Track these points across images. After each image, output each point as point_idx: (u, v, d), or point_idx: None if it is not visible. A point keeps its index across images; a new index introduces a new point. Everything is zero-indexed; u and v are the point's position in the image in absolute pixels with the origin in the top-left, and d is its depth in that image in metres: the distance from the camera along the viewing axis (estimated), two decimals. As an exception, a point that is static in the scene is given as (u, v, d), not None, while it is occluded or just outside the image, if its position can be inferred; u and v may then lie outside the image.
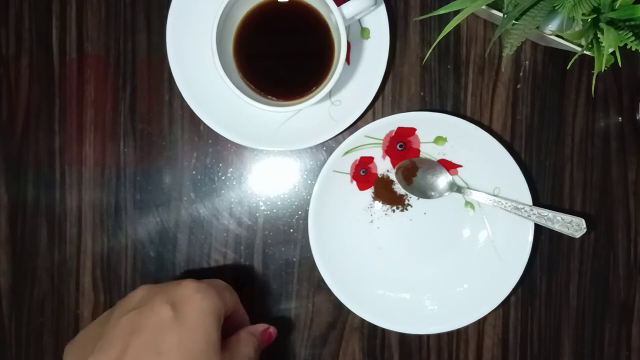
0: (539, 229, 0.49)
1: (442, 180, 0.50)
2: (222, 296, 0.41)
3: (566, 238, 0.51)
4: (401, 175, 0.50)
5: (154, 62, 0.51)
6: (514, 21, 0.39)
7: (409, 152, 0.50)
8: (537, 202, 0.51)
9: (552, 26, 0.42)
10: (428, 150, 0.50)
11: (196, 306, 0.39)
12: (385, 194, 0.51)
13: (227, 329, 0.42)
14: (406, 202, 0.51)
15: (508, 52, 0.39)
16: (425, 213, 0.51)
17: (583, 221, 0.48)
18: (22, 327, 0.52)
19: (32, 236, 0.52)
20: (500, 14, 0.42)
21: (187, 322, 0.38)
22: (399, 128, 0.48)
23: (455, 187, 0.50)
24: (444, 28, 0.41)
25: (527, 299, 0.52)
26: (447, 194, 0.50)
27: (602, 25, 0.39)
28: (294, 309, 0.52)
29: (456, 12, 0.40)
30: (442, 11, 0.41)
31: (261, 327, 0.45)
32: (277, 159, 0.52)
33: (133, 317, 0.38)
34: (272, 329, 0.46)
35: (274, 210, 0.52)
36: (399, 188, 0.51)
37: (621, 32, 0.38)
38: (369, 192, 0.51)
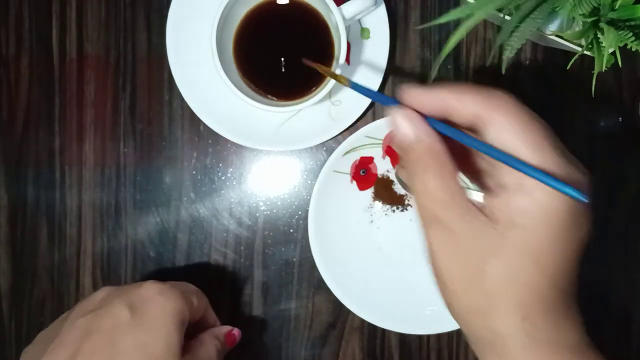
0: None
1: None
2: (187, 299, 0.40)
3: (566, 238, 0.51)
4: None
5: (154, 62, 0.51)
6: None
7: (409, 152, 0.50)
8: (537, 202, 0.51)
9: (552, 27, 0.42)
10: (428, 150, 0.50)
11: (157, 308, 0.37)
12: (385, 194, 0.51)
13: (195, 334, 0.42)
14: (406, 202, 0.51)
15: (508, 54, 0.39)
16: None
17: None
18: (22, 327, 0.52)
19: (32, 236, 0.52)
20: (501, 14, 0.42)
21: (145, 324, 0.36)
22: (399, 128, 0.48)
23: None
24: (444, 30, 0.41)
25: (527, 299, 0.52)
26: None
27: (602, 25, 0.39)
28: (294, 309, 0.52)
29: (456, 20, 0.40)
30: (442, 20, 0.41)
31: (225, 329, 0.44)
32: (277, 159, 0.52)
33: (89, 319, 0.37)
34: (237, 331, 0.45)
35: (274, 210, 0.52)
36: (399, 188, 0.51)
37: (621, 32, 0.38)
38: (369, 192, 0.51)
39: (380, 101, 0.35)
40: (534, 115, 0.31)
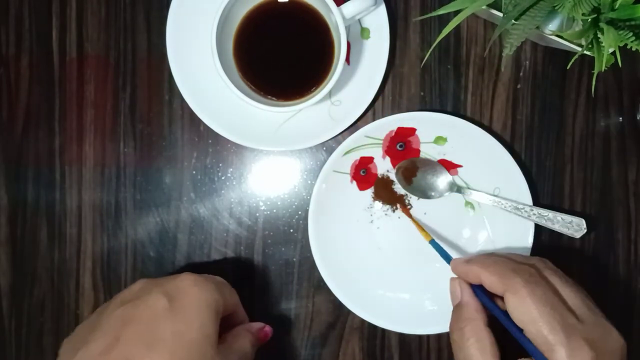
0: (539, 229, 0.49)
1: (443, 180, 0.50)
2: (221, 292, 0.41)
3: (566, 238, 0.51)
4: (401, 176, 0.50)
5: (154, 62, 0.51)
6: (513, 21, 0.39)
7: (409, 152, 0.50)
8: (537, 202, 0.51)
9: (552, 26, 0.42)
10: (428, 150, 0.50)
11: (193, 298, 0.38)
12: (385, 194, 0.51)
13: (226, 329, 0.42)
14: (406, 202, 0.51)
15: (508, 52, 0.39)
16: (425, 213, 0.51)
17: (583, 221, 0.48)
18: (22, 327, 0.52)
19: (32, 236, 0.52)
20: (500, 14, 0.42)
21: (182, 314, 0.37)
22: (399, 128, 0.48)
23: (455, 187, 0.50)
24: (444, 28, 0.41)
25: (527, 299, 0.52)
26: (447, 194, 0.50)
27: (602, 25, 0.39)
28: (294, 309, 0.52)
29: (456, 13, 0.40)
30: (441, 11, 0.41)
31: (258, 325, 0.45)
32: (277, 159, 0.52)
33: (128, 308, 0.38)
34: (268, 328, 0.46)
35: (274, 210, 0.52)
36: (399, 188, 0.51)
37: (621, 32, 0.38)
38: (369, 192, 0.51)
39: (446, 260, 0.46)
40: (542, 299, 0.38)
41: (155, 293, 0.38)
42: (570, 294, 0.39)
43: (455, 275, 0.44)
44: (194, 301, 0.38)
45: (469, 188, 0.50)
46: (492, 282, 0.40)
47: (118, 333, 0.36)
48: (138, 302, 0.38)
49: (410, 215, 0.50)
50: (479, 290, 0.42)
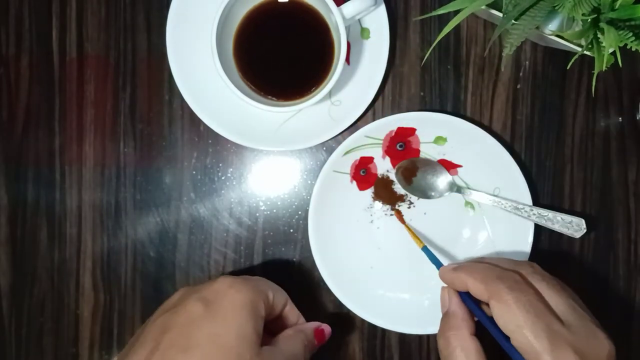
0: (539, 229, 0.49)
1: (442, 180, 0.50)
2: (260, 292, 0.40)
3: (566, 238, 0.51)
4: (401, 175, 0.50)
5: (154, 62, 0.51)
6: (513, 21, 0.39)
7: (409, 152, 0.50)
8: (537, 202, 0.51)
9: (552, 26, 0.42)
10: (428, 150, 0.50)
11: (228, 300, 0.38)
12: (385, 194, 0.51)
13: (279, 331, 0.42)
14: (406, 202, 0.51)
15: (508, 52, 0.39)
16: (425, 213, 0.51)
17: (583, 221, 0.48)
18: (22, 327, 0.52)
19: (32, 236, 0.52)
20: (500, 14, 0.42)
21: (218, 317, 0.37)
22: (399, 128, 0.48)
23: (455, 187, 0.50)
24: (444, 28, 0.41)
25: (527, 299, 0.52)
26: (447, 194, 0.50)
27: (602, 25, 0.39)
28: (294, 309, 0.52)
29: (456, 12, 0.40)
30: (441, 11, 0.41)
31: (312, 324, 0.44)
32: (277, 159, 0.52)
33: (167, 317, 0.38)
34: (326, 327, 0.44)
35: (274, 210, 0.52)
36: (399, 188, 0.51)
37: (621, 32, 0.38)
38: (369, 192, 0.51)
39: (437, 267, 0.45)
40: (527, 306, 0.38)
41: (192, 299, 0.38)
42: (557, 300, 0.39)
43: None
44: (229, 303, 0.38)
45: (468, 188, 0.50)
46: (477, 289, 0.40)
47: (158, 340, 0.37)
48: (176, 309, 0.39)
49: (403, 222, 0.50)
50: (466, 297, 0.42)
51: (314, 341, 0.43)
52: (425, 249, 0.47)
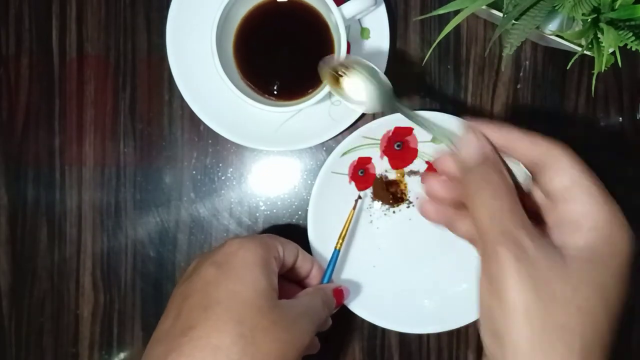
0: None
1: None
2: (270, 247, 0.41)
3: (566, 238, 0.51)
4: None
5: (154, 62, 0.51)
6: (513, 21, 0.39)
7: (407, 152, 0.50)
8: (537, 202, 0.51)
9: (552, 26, 0.42)
10: (427, 150, 0.50)
11: (240, 260, 0.39)
12: (384, 194, 0.51)
13: (295, 281, 0.44)
14: (405, 202, 0.51)
15: (508, 52, 0.39)
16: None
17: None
18: (22, 327, 0.52)
19: (32, 236, 0.52)
20: (500, 14, 0.42)
21: (231, 275, 0.38)
22: (396, 128, 0.48)
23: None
24: (444, 28, 0.41)
25: (527, 299, 0.52)
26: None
27: (602, 25, 0.39)
28: (294, 309, 0.52)
29: (456, 12, 0.40)
30: (441, 11, 0.41)
31: (332, 285, 0.45)
32: (277, 159, 0.52)
33: (184, 285, 0.40)
34: (345, 288, 0.46)
35: (274, 210, 0.52)
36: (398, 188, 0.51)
37: (621, 32, 0.38)
38: (368, 192, 0.51)
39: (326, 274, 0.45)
40: (586, 168, 0.33)
41: (205, 265, 0.40)
42: None
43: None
44: (241, 262, 0.39)
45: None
46: (534, 147, 0.33)
47: (179, 307, 0.38)
48: (191, 277, 0.40)
49: (351, 217, 0.48)
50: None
51: (333, 300, 0.44)
52: (336, 252, 0.47)
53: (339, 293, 0.45)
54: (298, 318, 0.39)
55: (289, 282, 0.45)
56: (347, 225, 0.48)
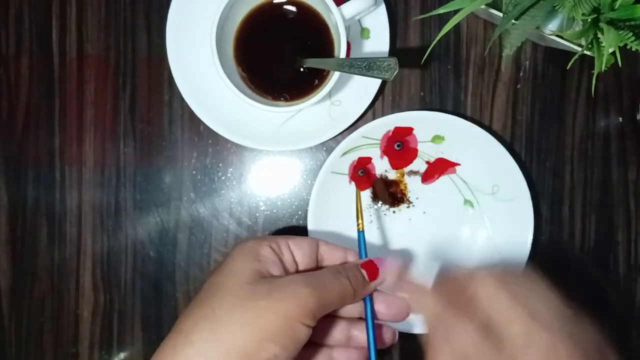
0: (538, 229, 0.49)
1: None
2: (264, 240, 0.40)
3: (565, 237, 0.51)
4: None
5: (154, 62, 0.51)
6: (513, 21, 0.39)
7: (407, 152, 0.50)
8: (537, 202, 0.51)
9: (552, 26, 0.42)
10: (426, 150, 0.50)
11: (229, 255, 0.40)
12: (384, 194, 0.51)
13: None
14: (406, 202, 0.51)
15: (508, 52, 0.39)
16: (424, 212, 0.51)
17: (395, 59, 0.42)
18: (22, 327, 0.52)
19: (32, 236, 0.52)
20: (500, 14, 0.42)
21: (215, 271, 0.39)
22: (396, 128, 0.48)
23: None
24: (443, 27, 0.41)
25: (527, 299, 0.52)
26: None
27: (602, 25, 0.39)
28: (294, 309, 0.52)
29: (456, 12, 0.40)
30: (441, 11, 0.41)
31: (358, 260, 0.42)
32: (277, 159, 0.52)
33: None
34: (377, 259, 0.42)
35: (274, 211, 0.52)
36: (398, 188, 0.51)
37: (621, 32, 0.38)
38: (368, 192, 0.51)
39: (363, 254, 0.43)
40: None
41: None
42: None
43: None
44: (229, 257, 0.39)
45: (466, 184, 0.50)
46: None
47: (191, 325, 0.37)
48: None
49: (358, 197, 0.45)
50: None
51: (365, 277, 0.41)
52: (361, 234, 0.43)
53: (370, 266, 0.41)
54: (286, 284, 0.37)
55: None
56: (358, 205, 0.44)
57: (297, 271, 0.41)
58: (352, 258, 0.43)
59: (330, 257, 0.43)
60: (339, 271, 0.40)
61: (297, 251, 0.41)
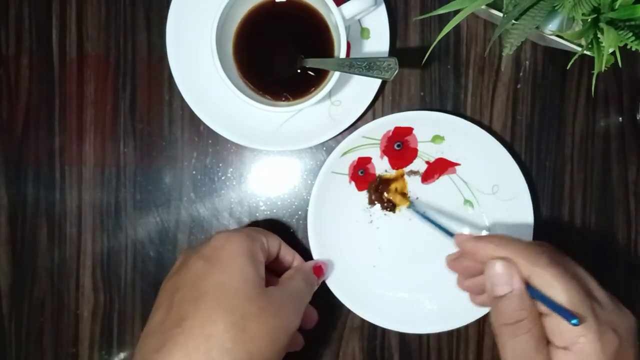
0: (538, 229, 0.49)
1: None
2: (255, 238, 0.43)
3: (565, 237, 0.51)
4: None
5: (154, 62, 0.51)
6: (513, 21, 0.39)
7: (407, 152, 0.50)
8: (537, 202, 0.51)
9: (552, 26, 0.42)
10: (426, 149, 0.50)
11: (226, 253, 0.41)
12: (381, 199, 0.51)
13: (279, 272, 0.46)
14: (407, 200, 0.51)
15: (508, 51, 0.39)
16: (424, 212, 0.51)
17: (395, 59, 0.43)
18: (22, 327, 0.52)
19: (32, 236, 0.52)
20: (500, 14, 0.42)
21: (219, 267, 0.40)
22: (396, 128, 0.48)
23: None
24: (444, 28, 0.41)
25: (527, 299, 0.52)
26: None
27: (602, 25, 0.39)
28: (294, 309, 0.52)
29: (456, 12, 0.40)
30: (441, 11, 0.41)
31: (310, 263, 0.48)
32: (277, 159, 0.52)
33: (173, 279, 0.41)
34: (322, 263, 0.48)
35: (274, 210, 0.52)
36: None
37: (621, 32, 0.38)
38: (365, 196, 0.51)
39: (447, 234, 0.44)
40: (571, 282, 0.36)
41: (193, 260, 0.41)
42: (587, 278, 0.38)
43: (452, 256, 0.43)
44: (228, 255, 0.41)
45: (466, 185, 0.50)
46: (516, 261, 0.37)
47: (170, 301, 0.40)
48: (180, 271, 0.41)
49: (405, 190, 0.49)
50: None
51: (314, 276, 0.46)
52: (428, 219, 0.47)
53: (318, 269, 0.47)
54: (285, 302, 0.41)
55: (273, 274, 0.46)
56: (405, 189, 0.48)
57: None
58: (297, 262, 0.48)
59: (284, 255, 0.47)
60: (309, 283, 0.45)
61: (271, 249, 0.45)
